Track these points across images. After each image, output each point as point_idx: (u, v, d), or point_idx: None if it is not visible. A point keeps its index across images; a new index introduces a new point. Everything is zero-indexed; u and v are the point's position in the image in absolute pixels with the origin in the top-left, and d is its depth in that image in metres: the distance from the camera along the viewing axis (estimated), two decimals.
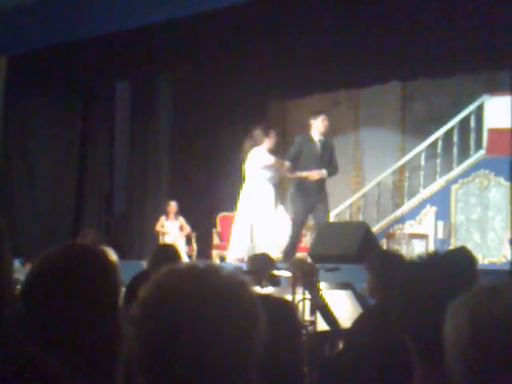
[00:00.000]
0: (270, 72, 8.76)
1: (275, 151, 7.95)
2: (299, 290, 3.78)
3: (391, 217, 10.20)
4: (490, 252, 9.01)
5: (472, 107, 9.69)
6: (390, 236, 9.92)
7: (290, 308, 1.63)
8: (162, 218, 9.46)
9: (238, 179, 10.76)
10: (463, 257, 4.11)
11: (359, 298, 4.28)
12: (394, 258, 3.46)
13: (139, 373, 1.09)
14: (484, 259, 8.83)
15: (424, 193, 9.74)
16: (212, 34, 8.34)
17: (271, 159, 7.72)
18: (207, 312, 1.06)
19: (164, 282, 1.10)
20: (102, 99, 10.12)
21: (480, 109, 9.65)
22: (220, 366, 1.06)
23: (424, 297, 1.56)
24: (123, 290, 2.24)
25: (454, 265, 1.69)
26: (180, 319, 1.05)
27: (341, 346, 3.82)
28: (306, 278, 3.73)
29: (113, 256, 3.04)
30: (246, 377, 1.09)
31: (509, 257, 8.27)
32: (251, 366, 1.09)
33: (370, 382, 3.00)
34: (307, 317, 3.75)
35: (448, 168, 9.78)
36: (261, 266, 4.33)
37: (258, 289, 3.67)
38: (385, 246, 8.98)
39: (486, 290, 1.20)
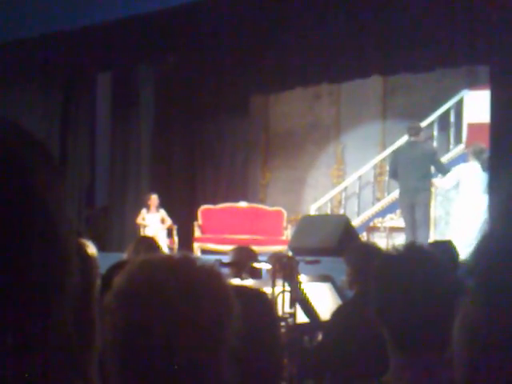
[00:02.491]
0: (252, 65, 8.75)
1: None
2: (279, 283, 3.79)
3: (372, 210, 10.26)
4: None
5: (452, 102, 9.76)
6: (370, 229, 9.98)
7: (265, 299, 1.63)
8: (143, 211, 9.42)
9: (219, 173, 10.77)
10: (444, 250, 4.16)
11: (339, 290, 4.30)
12: (373, 251, 3.48)
13: (113, 362, 1.09)
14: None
15: None
16: (194, 27, 8.31)
17: None
18: (180, 302, 1.06)
19: (138, 272, 1.10)
20: (83, 90, 10.04)
21: (460, 103, 9.72)
22: (192, 356, 1.06)
23: (398, 288, 1.57)
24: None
25: (430, 257, 1.69)
26: (153, 309, 1.06)
27: (320, 337, 3.84)
28: (286, 270, 3.73)
29: (92, 249, 3.02)
30: (219, 367, 1.09)
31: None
32: (224, 357, 1.10)
33: (348, 373, 3.02)
34: (287, 309, 3.76)
35: None
36: (242, 258, 4.33)
37: (237, 281, 3.68)
38: (365, 239, 9.03)
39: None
